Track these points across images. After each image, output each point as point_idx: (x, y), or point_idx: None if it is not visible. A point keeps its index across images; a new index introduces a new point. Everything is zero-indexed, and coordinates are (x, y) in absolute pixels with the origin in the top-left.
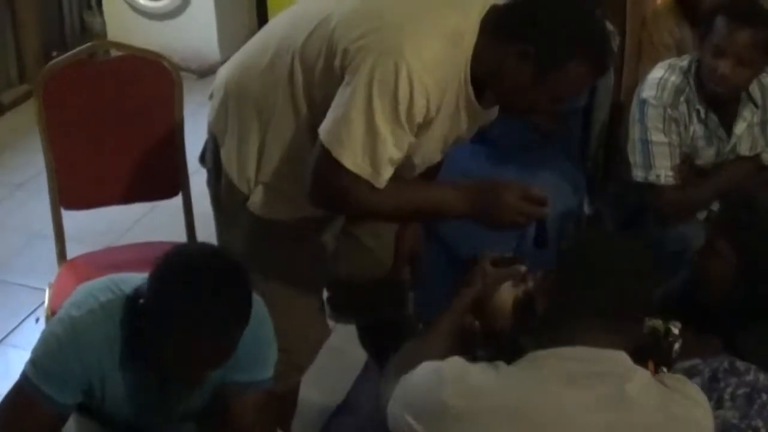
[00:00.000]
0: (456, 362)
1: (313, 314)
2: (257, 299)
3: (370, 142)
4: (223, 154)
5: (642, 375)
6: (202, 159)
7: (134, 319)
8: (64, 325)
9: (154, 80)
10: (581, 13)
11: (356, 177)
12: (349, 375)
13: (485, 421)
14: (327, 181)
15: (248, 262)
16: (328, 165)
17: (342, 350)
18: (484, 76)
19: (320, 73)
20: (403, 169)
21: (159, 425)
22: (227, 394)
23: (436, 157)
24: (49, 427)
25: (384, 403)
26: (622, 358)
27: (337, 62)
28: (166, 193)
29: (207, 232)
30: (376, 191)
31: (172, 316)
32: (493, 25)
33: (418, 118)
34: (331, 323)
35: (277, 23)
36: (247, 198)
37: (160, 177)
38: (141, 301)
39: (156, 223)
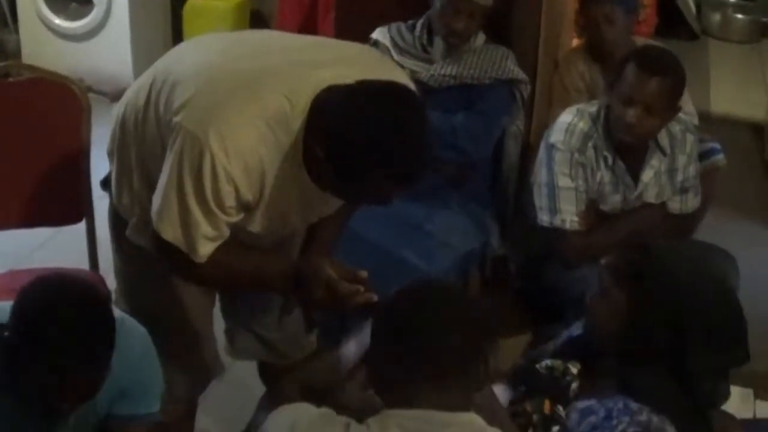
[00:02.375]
0: (312, 415)
1: (193, 347)
2: (141, 331)
3: (184, 221)
4: (112, 178)
5: None
6: (104, 184)
7: (2, 356)
8: None
9: (63, 104)
10: (383, 126)
11: (177, 249)
12: (249, 407)
13: None
14: (158, 247)
15: (127, 288)
16: (156, 233)
17: (242, 382)
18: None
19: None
20: (245, 237)
21: None
22: (112, 428)
23: (294, 226)
24: None
25: None
26: (472, 420)
27: (162, 130)
28: (70, 219)
29: (111, 258)
30: (200, 264)
31: (29, 353)
32: (309, 115)
33: (229, 202)
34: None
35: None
36: (126, 224)
37: (64, 202)
38: (5, 333)
39: (60, 247)
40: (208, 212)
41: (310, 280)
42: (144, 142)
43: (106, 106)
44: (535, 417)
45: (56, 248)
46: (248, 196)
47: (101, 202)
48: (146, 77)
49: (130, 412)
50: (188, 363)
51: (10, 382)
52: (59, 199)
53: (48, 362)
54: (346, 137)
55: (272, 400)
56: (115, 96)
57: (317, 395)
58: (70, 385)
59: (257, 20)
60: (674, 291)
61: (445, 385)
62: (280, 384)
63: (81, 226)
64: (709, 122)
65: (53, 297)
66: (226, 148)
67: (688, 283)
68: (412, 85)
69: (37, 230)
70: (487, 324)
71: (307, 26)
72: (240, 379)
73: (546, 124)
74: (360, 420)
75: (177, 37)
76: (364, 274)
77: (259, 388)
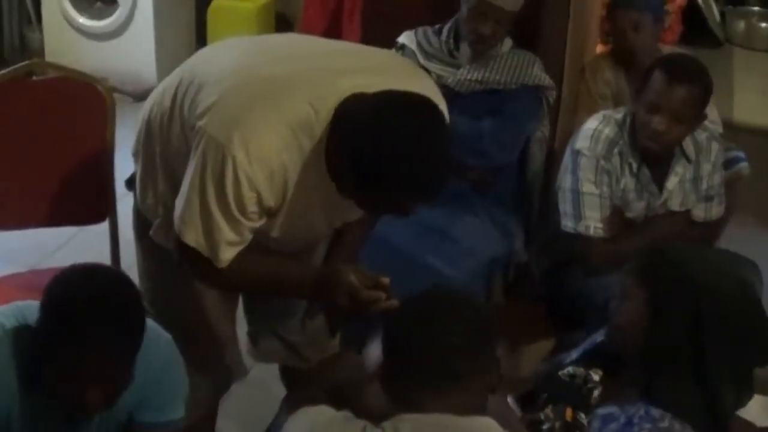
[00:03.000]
0: (329, 421)
1: (215, 349)
2: (166, 338)
3: (206, 225)
4: (137, 178)
5: None
6: (129, 183)
7: (30, 350)
8: None
9: (87, 103)
10: (405, 139)
11: (199, 253)
12: (270, 409)
13: None
14: (180, 251)
15: (150, 289)
16: (178, 237)
17: (263, 384)
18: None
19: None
20: (270, 242)
21: None
22: None
23: (318, 231)
24: None
25: None
26: (487, 425)
27: (187, 133)
28: (93, 218)
29: (133, 258)
30: (222, 269)
31: (58, 334)
32: (333, 123)
33: (251, 207)
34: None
35: (188, 63)
36: (150, 224)
37: (87, 201)
38: (32, 320)
39: (83, 246)
40: (230, 217)
41: (332, 287)
42: (169, 143)
43: (129, 106)
44: (557, 424)
45: (78, 248)
46: (270, 202)
47: (123, 202)
48: (173, 78)
49: (154, 420)
50: (210, 365)
51: (36, 378)
52: (82, 199)
53: (78, 351)
54: (367, 148)
55: (295, 401)
56: (139, 96)
57: (342, 396)
58: (96, 380)
59: (282, 22)
60: (693, 288)
61: (457, 388)
62: (305, 384)
63: (103, 227)
64: (732, 130)
65: (87, 284)
66: (249, 155)
67: (707, 279)
68: (438, 93)
69: (59, 230)
70: (494, 326)
71: (332, 29)
72: (261, 382)
73: (571, 130)
74: (377, 424)
75: (201, 37)
76: (386, 280)
77: (280, 391)
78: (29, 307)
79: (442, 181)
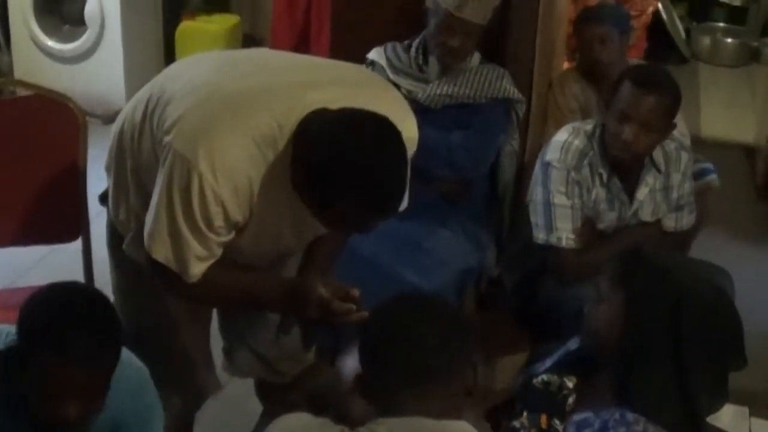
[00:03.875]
0: (310, 424)
1: (188, 364)
2: (138, 365)
3: (174, 241)
4: (109, 193)
5: None
6: (102, 199)
7: (6, 369)
8: None
9: (59, 122)
10: (358, 156)
11: (169, 269)
12: (244, 426)
13: None
14: (150, 266)
15: (123, 304)
16: (148, 253)
17: (238, 400)
18: None
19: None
20: (240, 257)
21: None
22: None
23: (287, 244)
24: None
25: None
26: (463, 428)
27: (156, 147)
28: (66, 237)
29: (106, 277)
30: (192, 283)
31: (35, 346)
32: (294, 138)
33: (218, 222)
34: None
35: (158, 78)
36: (122, 239)
37: (60, 219)
38: (12, 346)
39: (55, 266)
40: (197, 232)
41: (302, 299)
42: (140, 158)
43: (99, 128)
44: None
45: (51, 268)
46: (237, 216)
47: (95, 223)
48: (144, 92)
49: None
50: (183, 381)
51: (7, 397)
52: (55, 217)
53: (60, 365)
54: (321, 163)
55: (274, 409)
56: (108, 119)
57: (322, 403)
58: (76, 394)
59: (250, 43)
60: (673, 289)
61: (433, 391)
62: (285, 392)
63: (76, 247)
64: (700, 145)
65: (67, 299)
66: (215, 169)
67: (685, 282)
68: (406, 106)
69: (31, 250)
70: (468, 329)
71: (300, 47)
72: (236, 398)
73: (540, 144)
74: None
75: (170, 59)
76: (356, 292)
77: (255, 407)
78: (3, 330)
79: (397, 198)
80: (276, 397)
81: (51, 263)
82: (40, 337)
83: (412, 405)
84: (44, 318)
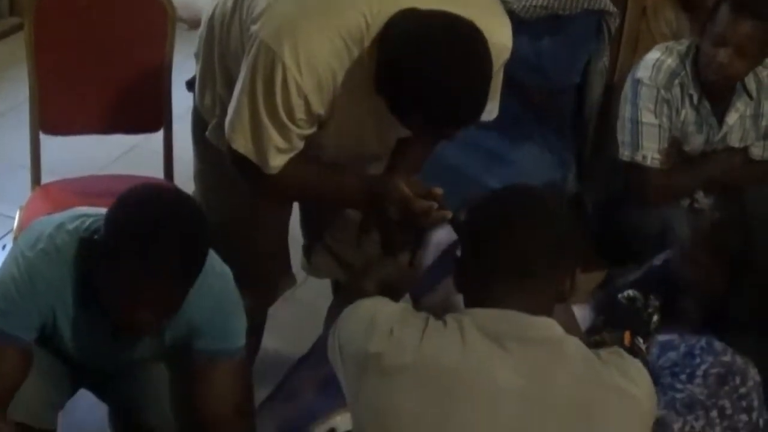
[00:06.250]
0: (392, 311)
1: (263, 256)
2: (223, 271)
3: (255, 131)
4: (196, 79)
5: (574, 343)
6: (190, 85)
7: (87, 258)
8: (18, 267)
9: (147, 13)
10: (439, 62)
11: (248, 160)
12: (316, 329)
13: (397, 378)
14: (231, 158)
15: (203, 191)
16: (229, 144)
17: (310, 303)
18: None
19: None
20: (328, 157)
21: (105, 367)
22: (197, 362)
23: (370, 146)
24: (20, 365)
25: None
26: (550, 325)
27: (243, 36)
28: (148, 127)
29: (184, 176)
30: (272, 176)
31: (120, 249)
32: (381, 37)
33: (300, 114)
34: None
35: None
36: (206, 127)
37: (145, 111)
38: (96, 237)
39: (134, 162)
40: (278, 123)
41: (384, 196)
42: (229, 44)
43: (185, 34)
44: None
45: (130, 163)
46: (319, 109)
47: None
48: None
49: (213, 347)
50: (259, 275)
51: (90, 290)
52: (140, 109)
53: (138, 274)
54: (401, 67)
55: (345, 298)
56: (194, 23)
57: (393, 294)
58: (150, 304)
59: None
60: None
61: (530, 287)
62: (356, 280)
63: (153, 144)
64: None
65: (156, 206)
66: (299, 61)
67: None
68: (503, 15)
69: (112, 146)
70: (577, 236)
71: None
72: (310, 300)
73: (631, 65)
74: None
75: None
76: (439, 191)
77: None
78: (91, 215)
79: (474, 110)
80: (346, 287)
81: (130, 160)
82: (127, 243)
83: (505, 298)
84: (135, 224)
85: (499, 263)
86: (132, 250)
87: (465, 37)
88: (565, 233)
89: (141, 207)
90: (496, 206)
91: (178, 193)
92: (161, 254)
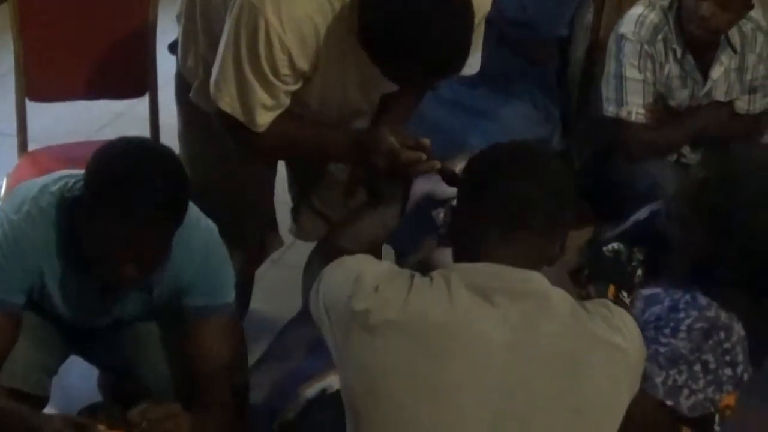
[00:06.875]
0: (378, 269)
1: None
2: (208, 225)
3: (241, 89)
4: (179, 41)
5: (560, 295)
6: (172, 47)
7: (71, 216)
8: (4, 231)
9: None
10: (417, 9)
11: (235, 119)
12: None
13: (384, 334)
14: (219, 118)
15: (187, 154)
16: (215, 104)
17: (298, 266)
18: None
19: None
20: (307, 110)
21: (96, 326)
22: (187, 320)
23: (355, 101)
24: (9, 329)
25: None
26: (538, 278)
27: None
28: (134, 92)
29: (171, 142)
30: (260, 134)
31: (99, 199)
32: None
33: (284, 70)
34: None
35: None
36: (190, 89)
37: (129, 76)
38: (74, 190)
39: (121, 130)
40: (263, 80)
41: (371, 147)
42: (210, 4)
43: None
44: None
45: (116, 132)
46: (303, 64)
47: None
48: None
49: (203, 304)
50: (246, 236)
51: (75, 246)
52: (125, 73)
53: (118, 224)
54: (381, 16)
55: (324, 253)
56: None
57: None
58: (133, 254)
59: None
60: (761, 232)
61: (523, 240)
62: (335, 237)
63: (139, 112)
64: None
65: (133, 156)
66: (281, 16)
67: None
68: None
69: (98, 112)
70: (573, 199)
71: None
72: (299, 262)
73: (614, 22)
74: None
75: None
76: (426, 141)
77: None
78: (74, 176)
79: (456, 58)
80: (323, 241)
81: (116, 128)
82: (106, 192)
83: (497, 250)
84: (112, 173)
85: (499, 211)
86: (110, 199)
87: None
88: (564, 189)
89: (118, 157)
90: (499, 155)
91: (155, 144)
92: (140, 201)
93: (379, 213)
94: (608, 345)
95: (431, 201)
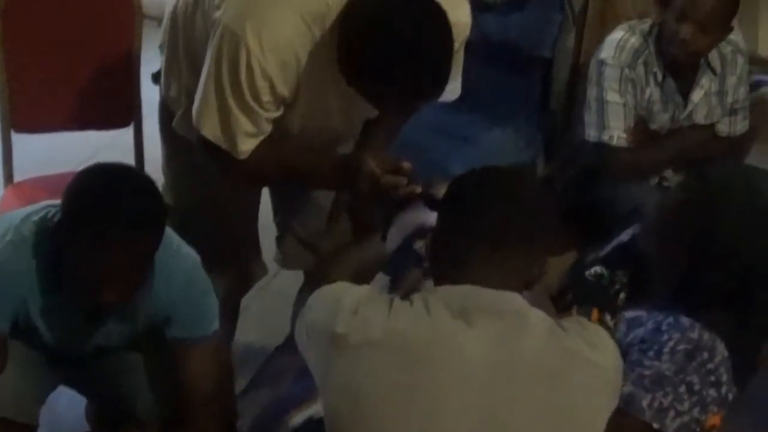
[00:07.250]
0: (358, 293)
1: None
2: (189, 254)
3: (223, 117)
4: (162, 70)
5: (538, 315)
6: (155, 77)
7: (52, 244)
8: None
9: (116, 10)
10: (400, 35)
11: (217, 146)
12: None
13: (366, 354)
14: (201, 146)
15: (172, 182)
16: (198, 131)
17: (284, 293)
18: None
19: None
20: (289, 136)
21: (83, 354)
22: (173, 349)
23: (337, 127)
24: None
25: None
26: (515, 298)
27: (207, 23)
28: (119, 122)
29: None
30: (242, 161)
31: (75, 223)
32: (342, 14)
33: (266, 97)
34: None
35: None
36: (173, 118)
37: (113, 106)
38: (56, 219)
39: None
40: (245, 107)
41: (353, 172)
42: (193, 32)
43: (153, 29)
44: None
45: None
46: (284, 91)
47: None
48: None
49: (187, 335)
50: (230, 263)
51: (56, 274)
52: (109, 104)
53: (95, 247)
54: (360, 38)
55: (313, 285)
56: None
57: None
58: (113, 277)
59: None
60: (742, 253)
61: (501, 260)
62: (323, 268)
63: (127, 143)
64: (755, 64)
65: (108, 181)
66: (262, 44)
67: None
68: None
69: (84, 143)
70: (552, 220)
71: None
72: (285, 290)
73: (595, 46)
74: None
75: None
76: (407, 165)
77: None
78: (56, 205)
79: (436, 80)
80: (313, 274)
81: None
82: (82, 215)
83: (475, 273)
84: (86, 196)
85: (474, 229)
86: (85, 221)
87: (425, 9)
88: (542, 210)
89: (91, 181)
90: (476, 177)
91: (127, 166)
92: (112, 220)
93: (369, 246)
94: (586, 362)
95: (418, 231)
